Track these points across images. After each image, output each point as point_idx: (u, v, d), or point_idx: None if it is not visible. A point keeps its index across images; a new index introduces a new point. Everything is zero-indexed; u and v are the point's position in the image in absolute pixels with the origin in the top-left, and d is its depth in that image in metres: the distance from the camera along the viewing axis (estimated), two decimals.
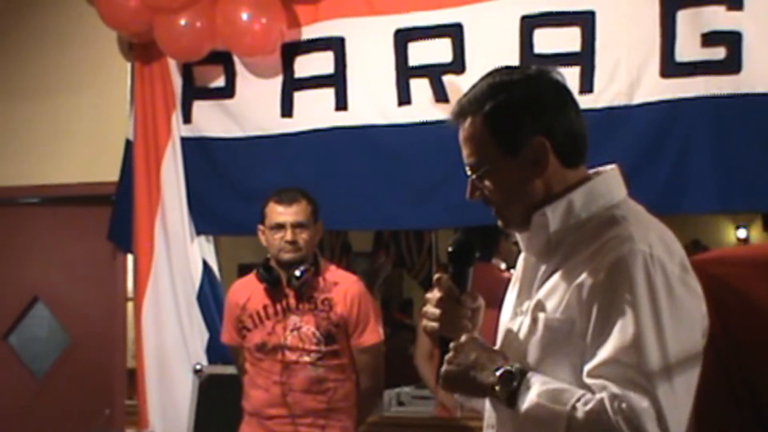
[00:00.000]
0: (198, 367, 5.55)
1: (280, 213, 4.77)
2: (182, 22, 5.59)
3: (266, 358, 4.80)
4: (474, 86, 2.47)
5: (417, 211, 5.40)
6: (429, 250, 9.72)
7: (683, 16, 4.81)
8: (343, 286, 4.83)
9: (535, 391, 2.24)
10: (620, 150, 4.89)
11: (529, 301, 2.39)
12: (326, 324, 4.76)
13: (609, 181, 2.42)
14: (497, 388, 2.28)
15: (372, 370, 4.89)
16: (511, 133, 2.38)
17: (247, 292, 4.93)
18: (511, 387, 2.27)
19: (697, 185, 4.83)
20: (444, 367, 2.39)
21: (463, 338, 2.38)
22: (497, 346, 2.47)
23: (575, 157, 2.42)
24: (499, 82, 2.44)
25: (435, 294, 2.45)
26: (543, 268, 2.41)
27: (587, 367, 2.22)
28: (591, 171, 2.44)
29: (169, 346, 5.94)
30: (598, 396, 2.17)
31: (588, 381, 2.21)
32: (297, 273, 4.74)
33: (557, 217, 2.37)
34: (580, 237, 2.35)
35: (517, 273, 2.59)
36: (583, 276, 2.25)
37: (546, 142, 2.36)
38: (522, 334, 2.39)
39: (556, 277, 2.34)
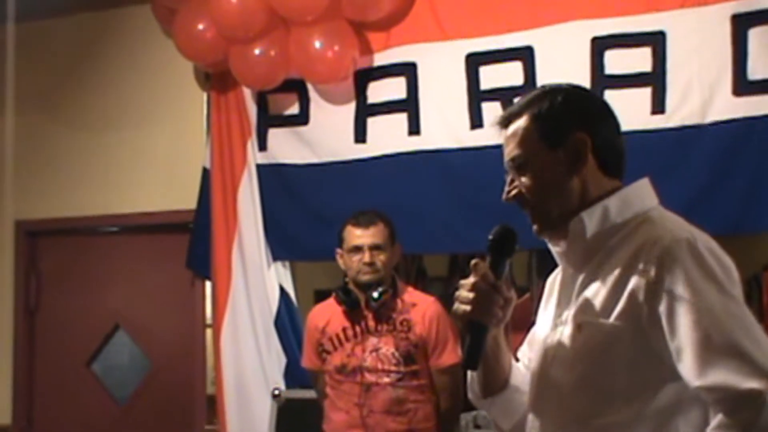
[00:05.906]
0: (276, 391, 5.60)
1: (358, 236, 4.82)
2: (256, 51, 5.67)
3: (346, 380, 4.84)
4: (524, 96, 2.56)
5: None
6: None
7: (755, 34, 4.81)
8: (421, 307, 4.86)
9: None
10: (694, 169, 4.88)
11: (569, 311, 2.43)
12: (405, 344, 4.79)
13: (642, 190, 2.48)
14: None
15: (451, 390, 4.86)
16: (554, 127, 2.45)
17: (326, 316, 4.98)
18: None
19: None
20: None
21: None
22: (537, 360, 2.52)
23: (613, 166, 2.48)
24: (549, 88, 2.56)
25: (470, 279, 2.48)
26: (582, 276, 2.44)
27: (686, 373, 2.19)
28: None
29: (248, 372, 5.98)
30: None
31: (697, 384, 2.18)
32: (375, 294, 4.80)
33: (594, 222, 2.41)
34: (617, 241, 2.39)
35: (551, 287, 2.64)
36: (635, 279, 2.27)
37: (587, 139, 2.43)
38: (567, 342, 2.40)
39: (598, 282, 2.37)
